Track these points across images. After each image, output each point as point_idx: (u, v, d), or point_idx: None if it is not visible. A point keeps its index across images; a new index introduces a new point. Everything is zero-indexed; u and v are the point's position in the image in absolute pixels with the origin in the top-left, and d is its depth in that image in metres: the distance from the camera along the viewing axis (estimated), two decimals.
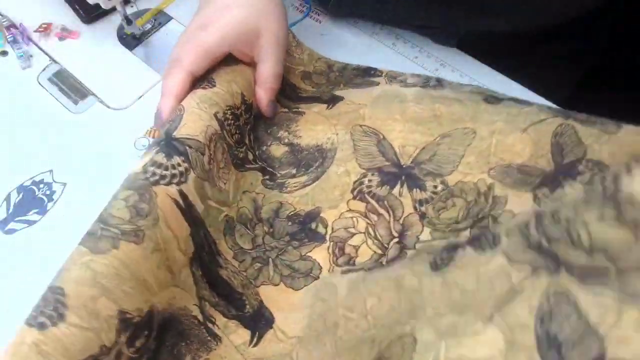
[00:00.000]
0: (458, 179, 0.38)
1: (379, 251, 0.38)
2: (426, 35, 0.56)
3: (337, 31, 0.57)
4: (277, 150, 0.44)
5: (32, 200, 0.50)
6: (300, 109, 0.46)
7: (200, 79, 0.42)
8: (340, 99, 0.45)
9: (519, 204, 0.35)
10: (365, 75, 0.49)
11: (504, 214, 0.35)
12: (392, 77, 0.47)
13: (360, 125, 0.42)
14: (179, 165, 0.36)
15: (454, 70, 0.53)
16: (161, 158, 0.36)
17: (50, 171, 0.51)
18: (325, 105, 0.45)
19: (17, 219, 0.49)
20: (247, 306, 0.37)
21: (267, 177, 0.43)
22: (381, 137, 0.42)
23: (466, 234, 0.36)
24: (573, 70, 0.64)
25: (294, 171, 0.43)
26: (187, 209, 0.36)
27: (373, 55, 0.55)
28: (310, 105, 0.46)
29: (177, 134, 0.37)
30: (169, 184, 0.35)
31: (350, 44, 0.56)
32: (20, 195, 0.50)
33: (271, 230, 0.40)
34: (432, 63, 0.54)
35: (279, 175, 0.43)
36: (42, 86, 0.54)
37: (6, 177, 0.51)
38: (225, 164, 0.41)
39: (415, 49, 0.55)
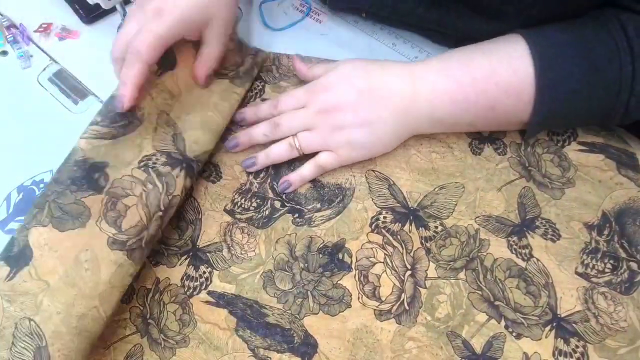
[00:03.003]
0: (453, 222, 0.47)
1: (398, 284, 0.44)
2: (425, 35, 0.58)
3: (337, 31, 0.59)
4: (302, 186, 0.49)
5: (32, 200, 0.48)
6: None
7: (205, 167, 0.50)
8: None
9: (498, 246, 0.46)
10: None
11: (487, 255, 0.46)
12: None
13: (373, 170, 0.49)
14: (204, 273, 0.46)
15: None
16: (191, 271, 0.46)
17: (50, 171, 0.50)
18: None
19: (17, 219, 0.48)
20: (296, 338, 0.42)
21: (296, 215, 0.47)
22: (391, 182, 0.49)
23: (462, 275, 0.45)
24: None
25: (318, 205, 0.48)
26: (217, 300, 0.45)
27: (373, 55, 0.57)
28: None
29: (199, 243, 0.47)
30: (200, 292, 0.45)
31: (350, 44, 0.58)
32: (20, 195, 0.49)
33: (306, 265, 0.45)
34: None
35: (306, 210, 0.48)
36: (42, 86, 0.51)
37: (6, 177, 0.49)
38: (248, 235, 0.47)
39: (415, 49, 0.58)
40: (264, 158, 0.49)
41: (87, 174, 0.42)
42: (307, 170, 0.48)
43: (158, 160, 0.45)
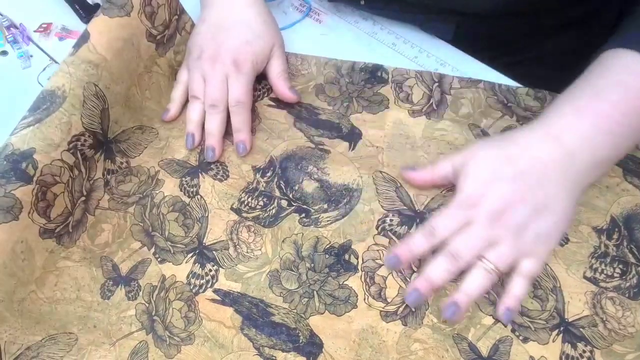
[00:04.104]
0: None
1: (404, 285, 0.44)
2: (425, 28, 0.58)
3: (337, 31, 0.59)
4: (309, 186, 0.49)
5: None
6: (325, 147, 0.51)
7: (212, 166, 0.51)
8: (359, 136, 0.51)
9: None
10: (373, 79, 0.54)
11: None
12: (399, 86, 0.54)
13: (381, 172, 0.49)
14: (210, 270, 0.46)
15: (454, 70, 0.55)
16: (197, 269, 0.46)
17: None
18: (348, 145, 0.51)
19: None
20: (301, 337, 0.42)
21: (303, 215, 0.47)
22: (399, 184, 0.48)
23: None
24: (573, 67, 0.64)
25: (325, 206, 0.48)
26: (223, 298, 0.45)
27: (373, 55, 0.56)
28: (333, 142, 0.51)
29: (205, 240, 0.47)
30: (205, 290, 0.45)
31: (350, 44, 0.58)
32: None
33: (312, 265, 0.45)
34: (432, 63, 0.56)
35: (313, 210, 0.48)
36: (42, 86, 0.50)
37: None
38: (255, 234, 0.48)
39: (415, 49, 0.57)
40: (464, 297, 0.42)
41: (15, 165, 0.42)
42: (519, 288, 0.42)
43: (86, 142, 0.47)
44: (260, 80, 0.55)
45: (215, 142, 0.51)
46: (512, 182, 0.41)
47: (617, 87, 0.41)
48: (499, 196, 0.41)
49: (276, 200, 0.49)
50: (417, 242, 0.43)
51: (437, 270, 0.42)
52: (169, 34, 0.54)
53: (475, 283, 0.42)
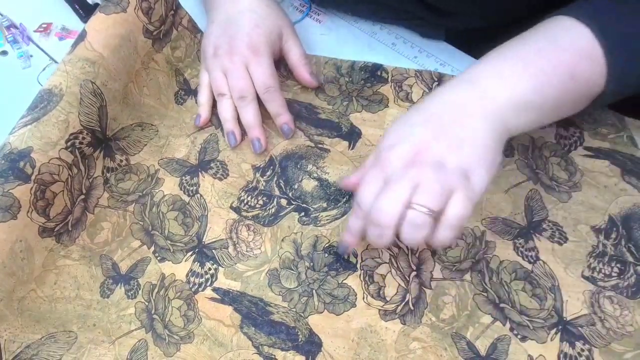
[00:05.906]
0: None
1: (403, 284, 0.44)
2: (414, 29, 0.58)
3: (337, 31, 0.59)
4: (308, 184, 0.49)
5: None
6: (324, 146, 0.51)
7: (212, 164, 0.51)
8: (358, 135, 0.51)
9: (504, 249, 0.46)
10: (373, 78, 0.54)
11: (493, 257, 0.46)
12: (398, 85, 0.54)
13: None
14: (209, 269, 0.46)
15: (454, 70, 0.55)
16: (197, 267, 0.46)
17: None
18: (347, 144, 0.51)
19: None
20: (300, 336, 0.42)
21: (302, 214, 0.48)
22: None
23: (467, 277, 0.45)
24: None
25: (325, 205, 0.48)
26: (222, 297, 0.45)
27: (373, 55, 0.57)
28: (333, 141, 0.51)
29: (205, 239, 0.48)
30: (205, 288, 0.45)
31: (350, 44, 0.58)
32: None
33: (311, 264, 0.45)
34: (432, 63, 0.56)
35: (312, 209, 0.48)
36: (42, 86, 0.51)
37: None
38: (254, 233, 0.48)
39: (415, 49, 0.57)
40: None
41: (13, 164, 0.43)
42: (445, 234, 0.38)
43: (84, 140, 0.47)
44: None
45: (258, 132, 0.51)
46: (422, 125, 0.39)
47: (546, 40, 0.41)
48: (409, 140, 0.39)
49: (276, 199, 0.49)
50: (354, 225, 0.42)
51: (373, 240, 0.40)
52: (165, 29, 0.55)
53: (411, 236, 0.38)
